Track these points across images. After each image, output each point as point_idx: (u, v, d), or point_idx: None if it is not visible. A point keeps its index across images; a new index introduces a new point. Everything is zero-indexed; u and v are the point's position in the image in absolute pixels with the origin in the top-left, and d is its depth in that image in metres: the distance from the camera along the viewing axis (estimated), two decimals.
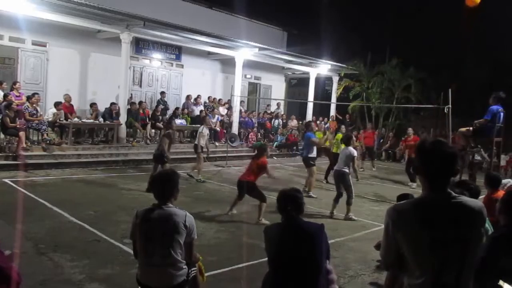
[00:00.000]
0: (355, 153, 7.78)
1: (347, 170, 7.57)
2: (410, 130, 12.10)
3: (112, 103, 12.44)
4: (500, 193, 4.84)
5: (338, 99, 19.94)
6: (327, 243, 2.93)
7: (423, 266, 1.86)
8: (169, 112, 14.62)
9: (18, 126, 9.74)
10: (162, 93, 14.91)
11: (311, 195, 8.77)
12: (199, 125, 14.44)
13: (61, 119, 11.28)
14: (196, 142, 10.44)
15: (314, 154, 9.21)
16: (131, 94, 14.22)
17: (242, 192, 6.80)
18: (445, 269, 1.83)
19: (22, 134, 9.70)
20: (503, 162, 14.93)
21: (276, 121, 17.57)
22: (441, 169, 1.90)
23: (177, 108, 14.61)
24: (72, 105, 12.10)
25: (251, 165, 6.91)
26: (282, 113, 19.21)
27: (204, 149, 10.42)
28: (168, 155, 8.48)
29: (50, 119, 11.10)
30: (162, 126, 13.58)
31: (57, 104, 11.32)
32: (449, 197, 1.89)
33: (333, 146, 11.42)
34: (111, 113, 12.27)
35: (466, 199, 1.93)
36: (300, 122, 18.99)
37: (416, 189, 10.55)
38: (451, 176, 1.94)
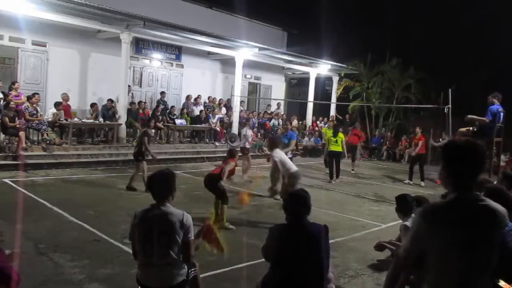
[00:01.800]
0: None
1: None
2: (418, 130, 12.03)
3: (109, 99, 12.50)
4: None
5: (338, 99, 19.94)
6: (329, 244, 2.94)
7: (449, 266, 1.88)
8: (169, 112, 14.64)
9: (18, 126, 9.74)
10: (162, 93, 14.92)
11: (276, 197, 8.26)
12: (199, 125, 14.59)
13: (61, 119, 11.28)
14: (242, 145, 10.62)
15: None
16: (132, 93, 14.23)
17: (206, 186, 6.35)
18: (471, 269, 1.86)
19: (22, 134, 9.70)
20: (502, 163, 14.93)
21: (275, 121, 17.56)
22: (473, 169, 1.94)
23: (172, 107, 14.62)
24: (69, 105, 12.08)
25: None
26: (282, 113, 19.22)
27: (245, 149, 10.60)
28: (153, 154, 8.66)
29: (50, 119, 11.11)
30: (162, 126, 13.63)
31: (57, 104, 11.32)
32: (477, 198, 1.93)
33: (330, 144, 11.45)
34: (108, 110, 12.35)
35: (491, 201, 1.95)
36: (300, 122, 19.01)
37: (411, 188, 10.60)
38: (478, 176, 1.98)
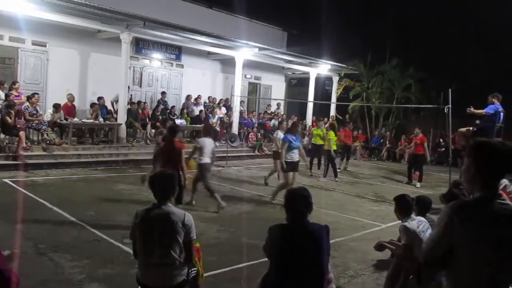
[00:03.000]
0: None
1: None
2: (417, 130, 12.03)
3: (99, 98, 12.59)
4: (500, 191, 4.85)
5: (338, 99, 19.93)
6: (329, 244, 2.93)
7: (480, 264, 1.87)
8: (167, 111, 14.66)
9: (18, 126, 9.74)
10: (163, 93, 14.92)
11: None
12: (199, 125, 14.57)
13: (60, 119, 11.28)
14: (274, 149, 10.06)
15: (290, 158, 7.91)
16: (131, 95, 14.23)
17: None
18: (502, 267, 1.87)
19: (22, 134, 9.70)
20: None
21: (274, 121, 17.56)
22: (505, 170, 1.96)
23: (173, 107, 14.63)
24: (74, 106, 12.09)
25: None
26: (282, 113, 19.21)
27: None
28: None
29: (48, 119, 11.11)
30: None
31: (56, 106, 11.33)
32: (499, 197, 1.94)
33: (326, 144, 11.63)
34: (101, 106, 12.44)
35: (508, 202, 1.96)
36: (300, 122, 18.97)
37: (410, 188, 10.61)
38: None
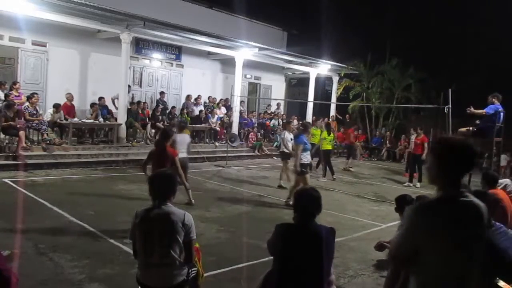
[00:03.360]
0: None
1: None
2: (419, 130, 12.04)
3: (100, 98, 12.60)
4: (498, 190, 4.86)
5: (338, 99, 19.93)
6: (334, 246, 2.91)
7: (448, 263, 1.88)
8: (167, 112, 14.66)
9: (18, 126, 9.73)
10: (162, 93, 14.93)
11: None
12: (199, 125, 14.59)
13: (60, 119, 11.29)
14: (282, 149, 9.82)
15: (306, 160, 7.94)
16: (132, 94, 14.24)
17: None
18: (466, 266, 1.88)
19: (22, 133, 9.70)
20: (503, 162, 14.93)
21: (274, 121, 17.58)
22: (467, 167, 1.96)
23: (173, 107, 14.65)
24: (73, 105, 12.10)
25: None
26: (282, 113, 19.21)
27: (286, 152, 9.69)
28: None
29: (48, 119, 11.11)
30: (162, 126, 13.61)
31: (56, 106, 11.33)
32: (463, 195, 1.94)
33: (321, 144, 11.71)
34: (102, 107, 12.45)
35: (474, 198, 1.97)
36: (300, 122, 18.97)
37: (410, 188, 10.61)
38: (466, 174, 2.02)
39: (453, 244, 1.86)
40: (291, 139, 9.66)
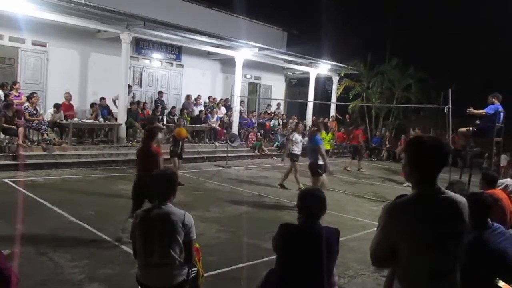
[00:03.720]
0: None
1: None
2: (417, 130, 12.07)
3: (101, 98, 12.61)
4: (496, 191, 4.86)
5: (338, 99, 19.93)
6: (338, 248, 2.89)
7: (421, 260, 1.90)
8: (166, 111, 14.67)
9: (16, 123, 9.72)
10: (160, 92, 14.93)
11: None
12: (199, 125, 14.59)
13: (61, 119, 11.29)
14: (291, 151, 9.59)
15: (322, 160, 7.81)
16: (133, 94, 14.23)
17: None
18: (442, 261, 1.90)
19: (21, 129, 9.67)
20: (503, 162, 14.93)
21: (274, 121, 17.59)
22: (440, 164, 1.97)
23: (173, 107, 14.66)
24: (72, 104, 12.10)
25: None
26: (282, 113, 19.21)
27: (288, 153, 9.68)
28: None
29: (49, 119, 11.11)
30: (162, 126, 13.62)
31: (56, 106, 11.34)
32: (440, 192, 1.96)
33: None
34: (103, 107, 12.46)
35: (452, 193, 1.99)
36: (300, 122, 18.94)
37: (410, 188, 10.59)
38: (440, 171, 2.01)
39: (425, 241, 1.88)
40: (301, 141, 9.73)
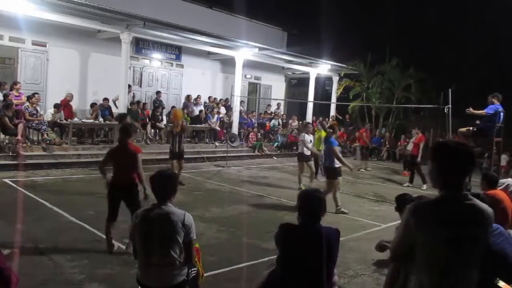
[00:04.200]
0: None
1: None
2: (416, 130, 12.04)
3: (104, 99, 12.60)
4: (497, 191, 4.85)
5: (338, 99, 19.93)
6: (338, 248, 2.89)
7: (434, 261, 1.96)
8: (166, 111, 14.67)
9: (16, 122, 9.72)
10: (158, 92, 14.92)
11: (343, 210, 7.64)
12: (199, 125, 14.59)
13: (61, 119, 11.29)
14: (301, 152, 9.62)
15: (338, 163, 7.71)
16: (133, 93, 14.23)
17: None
18: (455, 265, 1.94)
19: (20, 126, 9.66)
20: (503, 162, 14.92)
21: (274, 121, 17.58)
22: (465, 169, 2.01)
23: (173, 107, 14.63)
24: (71, 105, 12.09)
25: None
26: (282, 113, 19.20)
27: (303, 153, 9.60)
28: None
29: (49, 119, 11.11)
30: (162, 126, 13.64)
31: (56, 106, 11.34)
32: (465, 198, 1.99)
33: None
34: (104, 108, 12.47)
35: (478, 201, 2.02)
36: (300, 122, 18.97)
37: (411, 188, 10.59)
38: (467, 176, 2.06)
39: (440, 243, 1.93)
40: (311, 141, 9.76)
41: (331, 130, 8.24)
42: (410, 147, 11.91)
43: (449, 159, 2.00)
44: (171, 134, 9.05)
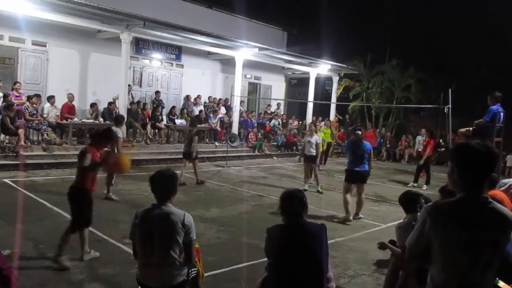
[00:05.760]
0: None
1: None
2: (426, 132, 11.97)
3: (109, 103, 12.53)
4: (496, 192, 4.84)
5: (338, 99, 19.94)
6: (327, 242, 2.94)
7: (451, 264, 1.93)
8: (165, 111, 14.65)
9: (17, 124, 9.73)
10: (157, 92, 14.91)
11: (360, 216, 7.46)
12: (199, 125, 14.53)
13: (57, 114, 11.27)
14: (309, 153, 9.46)
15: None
16: (132, 94, 14.22)
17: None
18: (473, 268, 1.91)
19: (21, 131, 9.68)
20: (509, 163, 14.92)
21: (274, 121, 17.59)
22: (487, 171, 1.98)
23: (173, 107, 14.66)
24: (73, 105, 12.10)
25: None
26: (282, 113, 19.19)
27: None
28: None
29: (45, 116, 11.10)
30: (163, 126, 13.64)
31: (49, 98, 11.35)
32: (486, 201, 1.96)
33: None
34: (110, 112, 12.32)
35: (499, 205, 2.00)
36: (300, 122, 18.98)
37: (414, 189, 10.57)
38: (488, 178, 2.01)
39: (457, 245, 1.90)
40: (316, 142, 9.65)
41: (359, 133, 7.70)
42: (419, 148, 11.79)
43: (470, 160, 1.96)
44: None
